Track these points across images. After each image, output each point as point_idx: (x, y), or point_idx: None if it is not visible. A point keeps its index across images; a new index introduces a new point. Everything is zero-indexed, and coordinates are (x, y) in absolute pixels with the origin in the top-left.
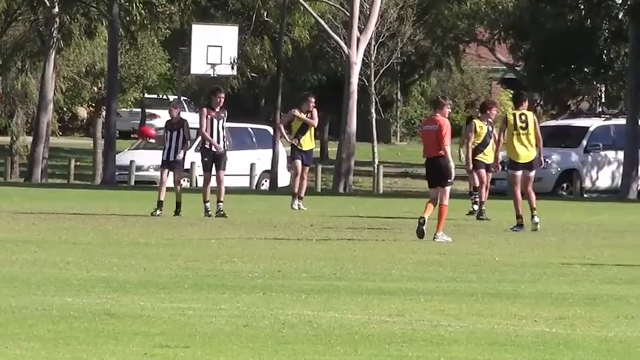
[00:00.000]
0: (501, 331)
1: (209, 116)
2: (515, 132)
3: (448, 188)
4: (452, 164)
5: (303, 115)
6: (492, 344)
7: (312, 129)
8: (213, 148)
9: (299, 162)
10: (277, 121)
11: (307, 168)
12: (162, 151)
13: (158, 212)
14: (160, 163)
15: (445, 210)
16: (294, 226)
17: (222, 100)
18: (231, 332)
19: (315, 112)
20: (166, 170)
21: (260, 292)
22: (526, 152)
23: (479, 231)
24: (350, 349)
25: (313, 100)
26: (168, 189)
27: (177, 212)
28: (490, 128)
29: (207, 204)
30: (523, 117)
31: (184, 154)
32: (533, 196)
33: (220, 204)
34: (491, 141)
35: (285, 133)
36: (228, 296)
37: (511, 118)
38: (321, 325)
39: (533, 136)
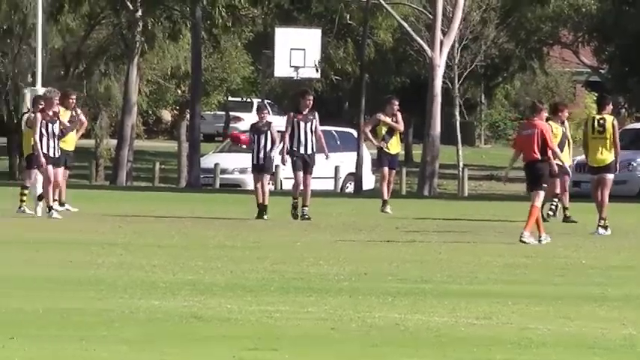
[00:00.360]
0: (589, 334)
1: (296, 119)
2: (592, 135)
3: (542, 192)
4: (555, 167)
5: (388, 119)
6: (580, 347)
7: (398, 132)
8: (301, 150)
9: (386, 169)
10: (361, 124)
11: (394, 172)
12: (251, 155)
13: (265, 217)
14: (246, 165)
15: (536, 211)
16: (380, 229)
17: (310, 102)
18: (318, 335)
19: (399, 115)
20: (256, 173)
21: (346, 295)
22: (600, 156)
23: (564, 234)
24: (437, 351)
25: (397, 103)
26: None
27: (261, 215)
28: (564, 130)
29: (296, 201)
30: (602, 121)
31: (273, 157)
32: (605, 201)
33: (305, 208)
34: (567, 143)
35: (371, 137)
36: (315, 299)
37: (590, 121)
38: (408, 328)
39: (610, 140)
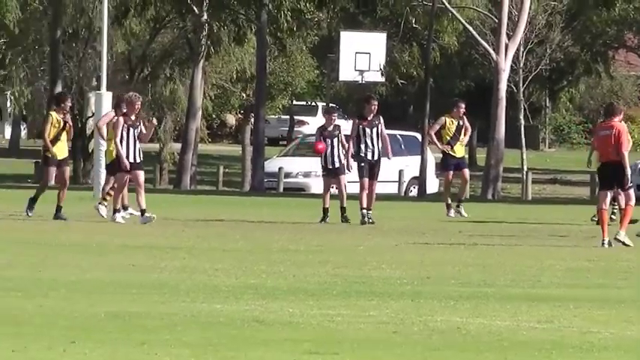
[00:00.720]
0: None
1: (361, 126)
2: None
3: (631, 191)
4: (629, 170)
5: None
6: None
7: (463, 136)
8: (368, 156)
9: (451, 172)
10: (426, 127)
11: (466, 171)
12: (322, 159)
13: (326, 220)
14: (310, 169)
15: (630, 210)
16: (443, 233)
17: (375, 107)
18: (380, 339)
19: (465, 118)
20: (329, 178)
21: (408, 299)
22: None
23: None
24: (499, 355)
25: (463, 105)
26: (332, 196)
27: (343, 217)
28: None
29: (364, 211)
30: None
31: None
32: None
33: (370, 212)
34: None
35: (435, 140)
36: (377, 303)
37: None
38: (470, 332)
39: None
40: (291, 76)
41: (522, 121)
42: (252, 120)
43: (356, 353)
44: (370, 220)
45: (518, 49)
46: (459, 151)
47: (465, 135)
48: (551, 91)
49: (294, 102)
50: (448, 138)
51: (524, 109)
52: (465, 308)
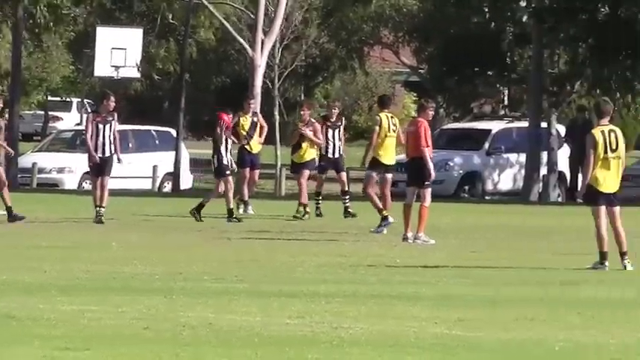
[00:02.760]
0: (402, 333)
1: (95, 121)
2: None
3: (428, 190)
4: (430, 165)
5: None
6: (393, 346)
7: (259, 131)
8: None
9: (247, 169)
10: (180, 123)
11: (257, 171)
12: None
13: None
14: (64, 165)
15: (426, 211)
16: (196, 229)
17: (112, 105)
18: (131, 335)
19: (260, 115)
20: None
21: (161, 295)
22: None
23: (380, 233)
24: (250, 351)
25: (252, 100)
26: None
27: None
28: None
29: (98, 208)
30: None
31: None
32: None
33: (102, 209)
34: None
35: (233, 137)
36: (130, 299)
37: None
38: (222, 328)
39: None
40: (46, 71)
41: (277, 117)
42: (7, 115)
43: (107, 349)
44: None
45: (274, 46)
46: (255, 147)
47: (261, 132)
48: (307, 87)
49: (49, 97)
50: (244, 133)
51: (280, 105)
52: (217, 304)
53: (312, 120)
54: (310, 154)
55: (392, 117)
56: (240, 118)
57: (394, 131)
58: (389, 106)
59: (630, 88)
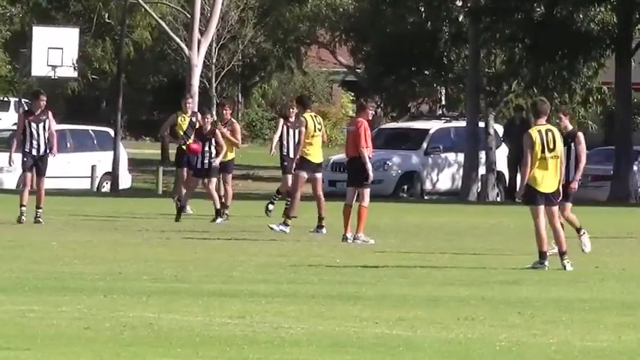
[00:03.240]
0: (342, 332)
1: (27, 120)
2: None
3: (367, 190)
4: (369, 165)
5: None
6: (333, 346)
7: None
8: (33, 152)
9: (185, 169)
10: (119, 123)
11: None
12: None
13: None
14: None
15: (365, 211)
16: (135, 229)
17: (43, 103)
18: (72, 334)
19: (199, 114)
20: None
21: (101, 295)
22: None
23: (320, 234)
24: (191, 351)
25: (190, 100)
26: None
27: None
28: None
29: (24, 208)
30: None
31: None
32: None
33: (39, 210)
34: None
35: (166, 136)
36: (70, 298)
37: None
38: (162, 328)
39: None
40: None
41: (215, 117)
42: None
43: (48, 349)
44: (39, 220)
45: (211, 45)
46: (229, 154)
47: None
48: (244, 87)
49: None
50: (182, 133)
51: (217, 105)
52: (157, 304)
53: (233, 120)
54: (230, 155)
55: (315, 116)
56: (179, 118)
57: (319, 130)
58: (310, 106)
59: (567, 87)
